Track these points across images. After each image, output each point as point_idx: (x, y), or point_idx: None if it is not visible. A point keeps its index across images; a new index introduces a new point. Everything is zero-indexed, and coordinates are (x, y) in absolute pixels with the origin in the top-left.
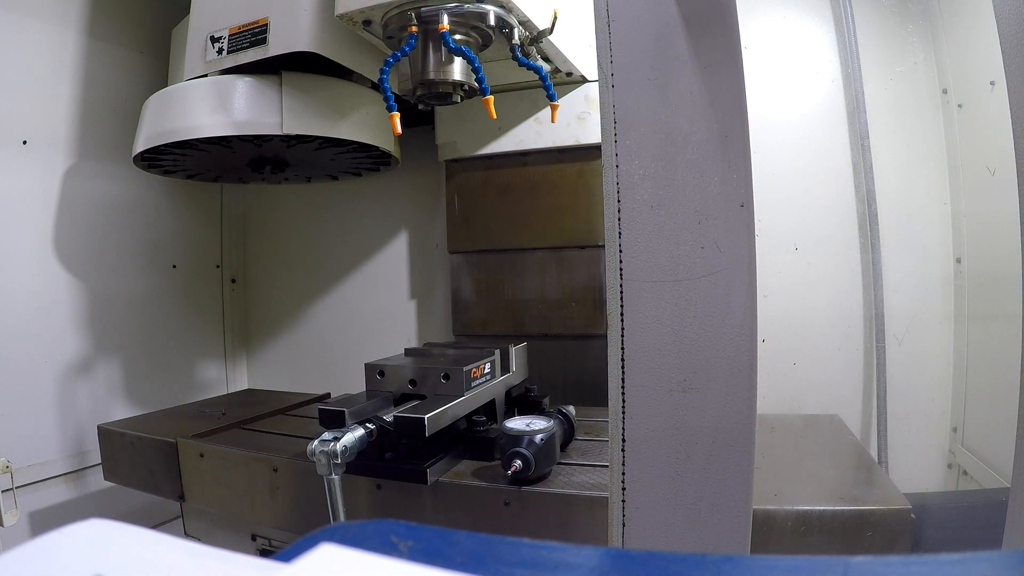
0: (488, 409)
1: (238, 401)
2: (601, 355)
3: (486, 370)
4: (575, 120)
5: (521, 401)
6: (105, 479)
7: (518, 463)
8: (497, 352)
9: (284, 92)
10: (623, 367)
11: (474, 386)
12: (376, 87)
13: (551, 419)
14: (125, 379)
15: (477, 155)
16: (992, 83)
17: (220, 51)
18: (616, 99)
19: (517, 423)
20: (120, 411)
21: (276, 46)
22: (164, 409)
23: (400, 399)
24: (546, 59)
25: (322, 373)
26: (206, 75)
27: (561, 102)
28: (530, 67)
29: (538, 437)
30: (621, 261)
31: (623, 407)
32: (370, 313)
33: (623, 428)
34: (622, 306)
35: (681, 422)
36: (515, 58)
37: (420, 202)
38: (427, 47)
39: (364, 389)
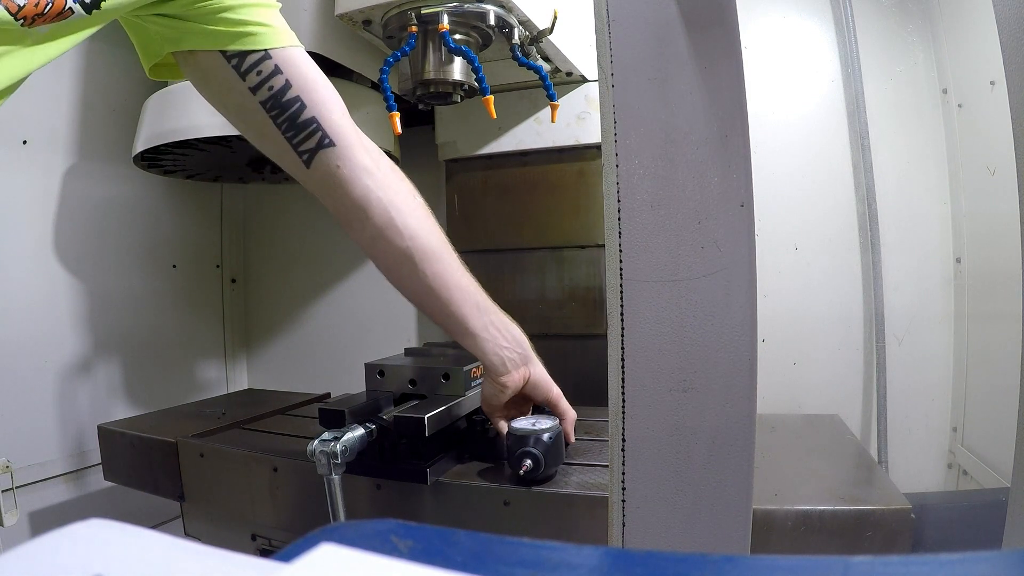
0: None
1: (238, 401)
2: (601, 355)
3: None
4: (575, 120)
5: None
6: (105, 479)
7: (528, 462)
8: None
9: None
10: (623, 367)
11: (474, 386)
12: (376, 87)
13: (554, 418)
14: (125, 379)
15: (477, 155)
16: (992, 83)
17: None
18: (616, 99)
19: (523, 423)
20: (120, 411)
21: None
22: (164, 409)
23: (400, 399)
24: (546, 59)
25: (322, 373)
26: None
27: (561, 102)
28: (530, 67)
29: (546, 436)
30: (621, 261)
31: (623, 407)
32: (370, 313)
33: (623, 428)
34: (622, 306)
35: (681, 422)
36: (515, 58)
37: None
38: (427, 47)
39: (364, 389)
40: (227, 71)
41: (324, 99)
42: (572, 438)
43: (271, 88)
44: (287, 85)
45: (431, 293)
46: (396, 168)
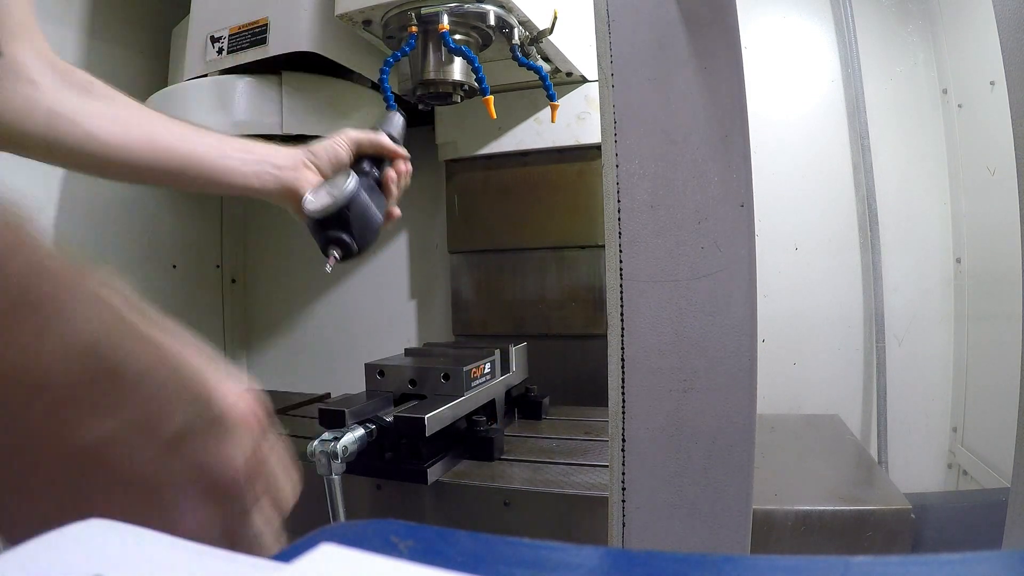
0: (488, 409)
1: None
2: (601, 355)
3: (486, 370)
4: (575, 120)
5: (521, 401)
6: None
7: (336, 253)
8: (497, 352)
9: (284, 92)
10: (623, 367)
11: (474, 386)
12: (376, 87)
13: (347, 173)
14: None
15: (477, 155)
16: (992, 83)
17: (220, 51)
18: (616, 99)
19: (313, 195)
20: None
21: (276, 46)
22: None
23: (400, 399)
24: (546, 59)
25: (322, 373)
26: (206, 75)
27: (561, 102)
28: (530, 67)
29: (346, 205)
30: (621, 261)
31: (623, 407)
32: (370, 313)
33: (623, 428)
34: (622, 306)
35: (681, 422)
36: (515, 58)
37: (420, 202)
38: (427, 47)
39: (364, 389)
40: None
41: (12, 8)
42: (404, 166)
43: None
44: None
45: (153, 164)
46: (80, 75)
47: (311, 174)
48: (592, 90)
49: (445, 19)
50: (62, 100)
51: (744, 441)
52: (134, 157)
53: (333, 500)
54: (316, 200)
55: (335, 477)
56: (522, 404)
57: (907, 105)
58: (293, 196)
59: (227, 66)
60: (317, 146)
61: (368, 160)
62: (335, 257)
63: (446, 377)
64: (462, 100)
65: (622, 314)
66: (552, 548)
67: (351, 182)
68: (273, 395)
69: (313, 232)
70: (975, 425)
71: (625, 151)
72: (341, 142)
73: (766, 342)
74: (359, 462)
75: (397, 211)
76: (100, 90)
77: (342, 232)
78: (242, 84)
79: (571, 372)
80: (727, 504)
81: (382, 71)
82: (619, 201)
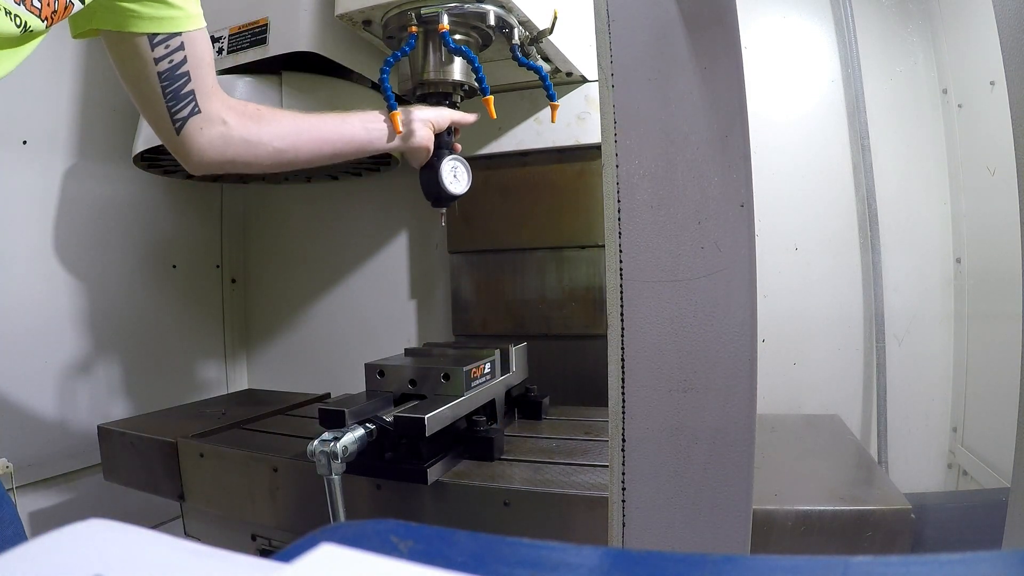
0: (488, 409)
1: (238, 401)
2: (601, 355)
3: (486, 370)
4: (575, 120)
5: (521, 401)
6: (105, 479)
7: (443, 210)
8: (497, 352)
9: (284, 92)
10: (623, 367)
11: (474, 386)
12: (376, 87)
13: (466, 165)
14: (125, 379)
15: (477, 155)
16: (992, 83)
17: (220, 51)
18: (616, 99)
19: (448, 176)
20: (120, 411)
21: (276, 46)
22: (164, 409)
23: (400, 399)
24: (546, 59)
25: (322, 373)
26: None
27: (561, 102)
28: (530, 67)
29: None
30: (621, 261)
31: (623, 407)
32: (370, 313)
33: (623, 428)
34: (622, 306)
35: (681, 422)
36: (515, 58)
37: (420, 202)
38: (427, 47)
39: (364, 389)
40: (141, 41)
41: (205, 75)
42: (468, 118)
43: (171, 62)
44: (184, 61)
45: (319, 153)
46: (249, 107)
47: (430, 133)
48: (592, 90)
49: (445, 19)
50: (248, 130)
51: (744, 441)
52: (306, 153)
53: (333, 500)
54: (451, 184)
55: (335, 477)
56: (522, 404)
57: (907, 105)
58: (421, 149)
59: (227, 66)
60: (437, 119)
61: (447, 130)
62: (443, 212)
63: (446, 377)
64: (462, 100)
65: (622, 314)
66: (552, 548)
67: (471, 179)
68: (273, 395)
69: (435, 192)
70: (975, 425)
71: (625, 151)
72: (448, 119)
73: (766, 342)
74: (359, 462)
75: None
76: (266, 113)
77: (454, 200)
78: (242, 84)
79: (571, 372)
80: (727, 504)
81: (382, 71)
82: (619, 201)
